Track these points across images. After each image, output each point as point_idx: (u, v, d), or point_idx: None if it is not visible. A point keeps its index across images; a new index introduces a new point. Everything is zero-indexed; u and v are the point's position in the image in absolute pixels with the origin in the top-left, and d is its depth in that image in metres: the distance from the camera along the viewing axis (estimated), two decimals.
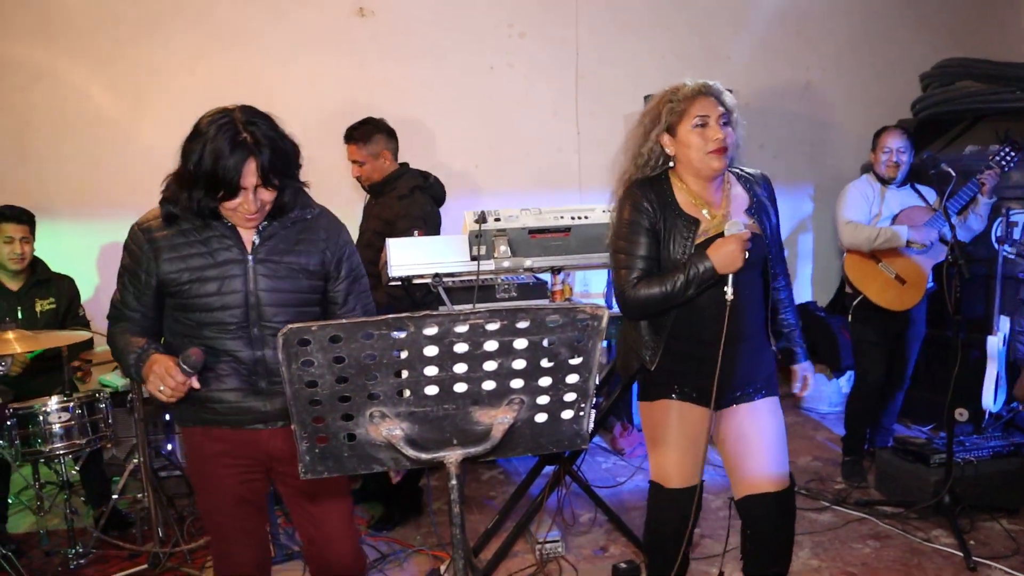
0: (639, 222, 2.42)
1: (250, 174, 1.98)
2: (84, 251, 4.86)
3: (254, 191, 2.01)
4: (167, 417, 4.44)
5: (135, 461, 3.68)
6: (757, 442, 2.48)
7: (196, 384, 2.03)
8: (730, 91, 2.50)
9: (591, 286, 5.39)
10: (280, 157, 2.02)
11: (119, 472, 3.92)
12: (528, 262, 3.18)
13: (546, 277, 3.42)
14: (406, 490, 3.94)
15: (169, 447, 4.36)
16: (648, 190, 2.45)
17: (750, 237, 2.35)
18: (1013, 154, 3.98)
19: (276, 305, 2.14)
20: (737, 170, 2.57)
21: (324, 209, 2.30)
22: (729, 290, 2.32)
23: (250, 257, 2.13)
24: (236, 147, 1.95)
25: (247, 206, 2.02)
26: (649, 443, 2.59)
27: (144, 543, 3.64)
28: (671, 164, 2.49)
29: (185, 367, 2.00)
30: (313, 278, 2.20)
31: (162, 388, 2.01)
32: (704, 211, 2.45)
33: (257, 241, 2.14)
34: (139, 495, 3.76)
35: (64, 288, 4.10)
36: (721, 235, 2.36)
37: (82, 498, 4.02)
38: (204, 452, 2.23)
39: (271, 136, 2.01)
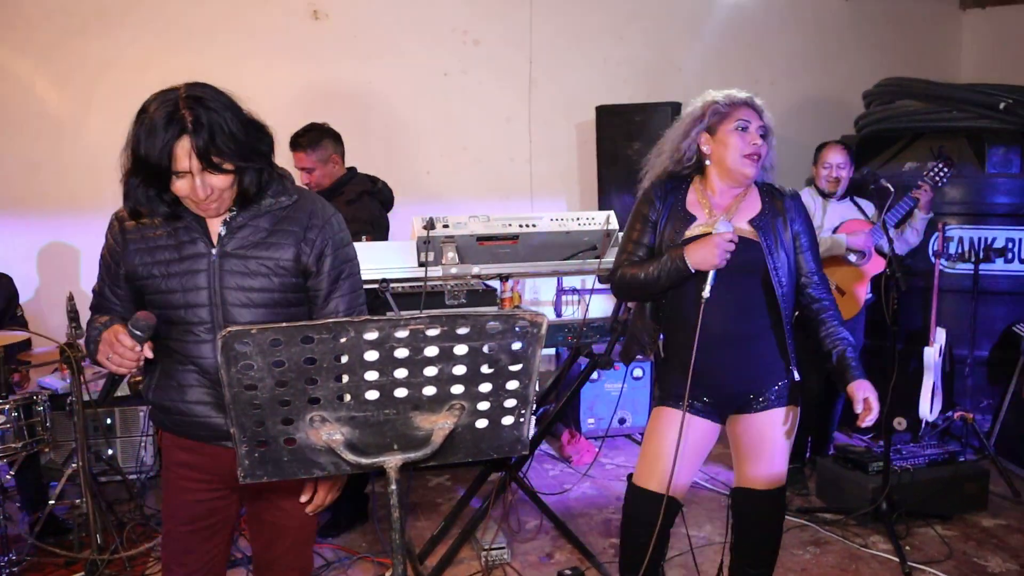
0: (644, 212, 2.57)
1: (184, 156, 1.77)
2: (23, 250, 4.75)
3: (200, 176, 1.79)
4: (108, 421, 4.35)
5: (74, 465, 3.60)
6: (756, 451, 2.56)
7: (149, 353, 1.82)
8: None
9: (541, 294, 5.43)
10: (228, 138, 1.79)
11: (57, 477, 3.82)
12: (476, 269, 3.20)
13: (496, 284, 3.43)
14: (352, 497, 3.91)
15: (110, 452, 4.27)
16: (663, 185, 2.57)
17: (734, 240, 2.37)
18: (946, 170, 4.13)
19: (244, 305, 1.92)
20: (767, 185, 2.61)
21: (308, 195, 2.05)
22: (707, 288, 2.37)
23: (214, 251, 1.92)
24: (170, 125, 1.75)
25: (195, 193, 1.80)
26: (644, 443, 2.64)
27: (82, 550, 3.55)
28: (706, 163, 2.55)
29: (134, 330, 1.79)
30: (288, 275, 1.95)
31: (110, 357, 1.82)
32: (705, 211, 2.50)
33: (224, 233, 1.92)
34: (77, 500, 3.67)
35: (2, 287, 4.00)
36: (709, 234, 2.41)
37: (17, 503, 3.91)
38: (171, 458, 2.09)
39: (218, 114, 1.79)
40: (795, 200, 2.60)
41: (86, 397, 3.65)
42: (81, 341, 3.39)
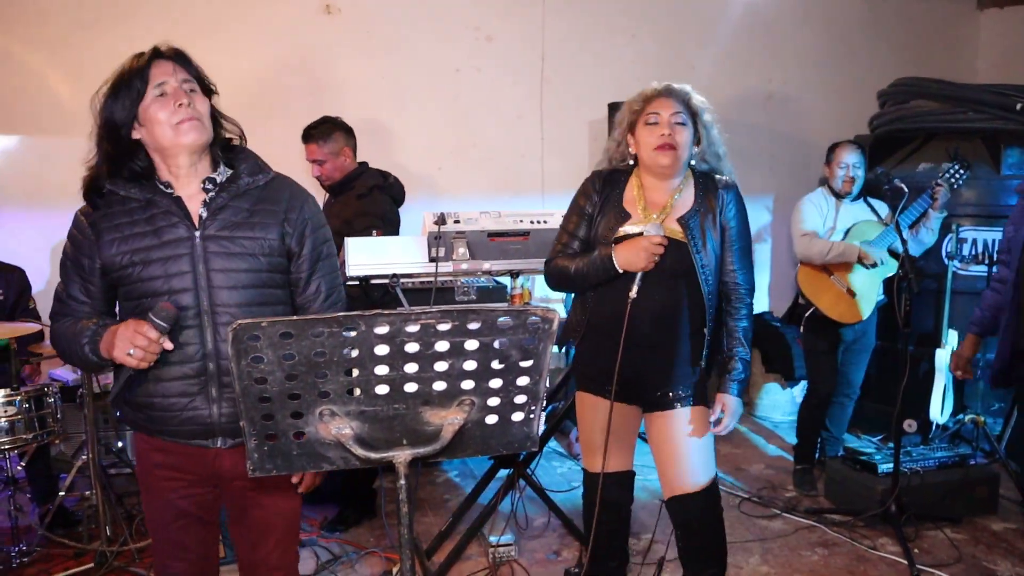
0: (581, 206, 2.60)
1: (164, 70, 1.87)
2: (36, 243, 4.76)
3: (179, 84, 1.87)
4: (118, 413, 4.37)
5: (84, 457, 3.61)
6: (679, 448, 2.53)
7: (168, 344, 1.81)
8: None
9: (551, 291, 5.41)
10: (204, 82, 1.94)
11: (67, 468, 3.85)
12: (487, 265, 3.19)
13: (506, 281, 3.43)
14: (360, 492, 3.92)
15: (120, 444, 4.28)
16: (600, 179, 2.60)
17: (663, 243, 2.38)
18: (962, 171, 4.10)
19: (230, 287, 1.89)
20: (707, 177, 2.58)
21: (281, 175, 2.06)
22: (634, 288, 2.39)
23: (197, 233, 1.89)
24: (143, 57, 1.90)
25: (176, 99, 1.85)
26: (579, 429, 2.73)
27: (91, 542, 3.57)
28: (631, 162, 2.60)
29: (157, 320, 1.77)
30: (273, 254, 1.94)
31: (132, 351, 1.77)
32: (639, 209, 2.50)
33: (205, 215, 1.91)
34: (87, 492, 3.69)
35: (14, 279, 4.02)
36: (640, 234, 2.41)
37: (27, 495, 3.93)
38: (147, 461, 2.04)
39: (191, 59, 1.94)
40: (729, 191, 2.55)
41: (96, 390, 3.67)
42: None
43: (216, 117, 1.97)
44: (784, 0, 5.99)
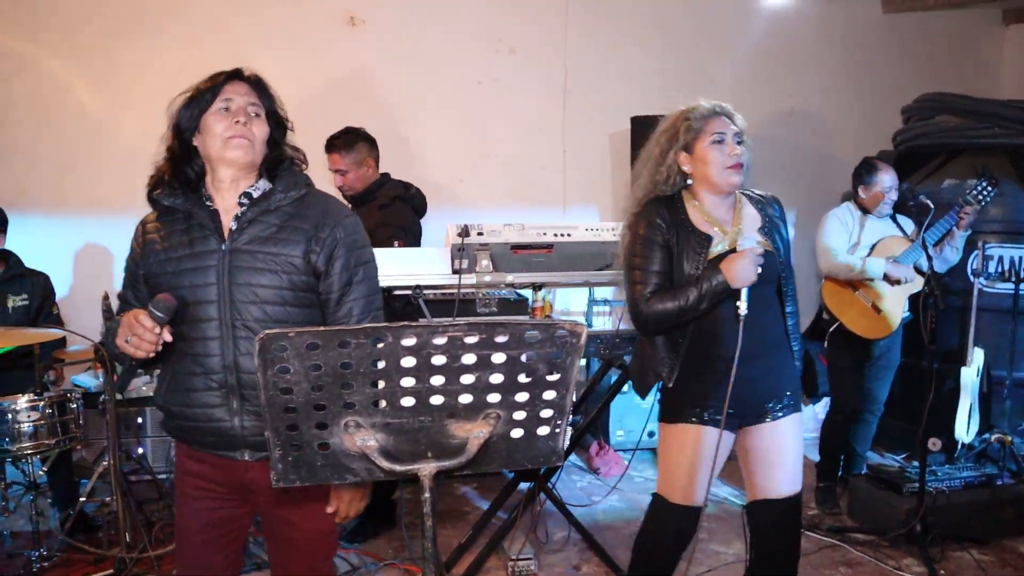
0: (653, 238, 2.48)
1: (237, 89, 1.97)
2: (59, 249, 4.81)
3: (246, 107, 1.96)
4: (139, 420, 4.38)
5: (104, 464, 3.63)
6: (777, 459, 2.54)
7: (168, 336, 1.82)
8: None
9: (572, 304, 5.40)
10: (275, 111, 2.02)
11: (88, 474, 3.86)
12: (510, 277, 3.18)
13: (527, 293, 3.42)
14: (380, 503, 3.91)
15: (140, 451, 4.30)
16: (661, 207, 2.52)
17: (762, 252, 2.38)
18: (990, 189, 4.05)
19: (251, 302, 1.90)
20: (749, 192, 2.63)
21: (318, 192, 2.07)
22: (743, 304, 2.36)
23: (224, 247, 1.93)
24: (221, 75, 1.99)
25: (235, 116, 1.94)
26: (662, 459, 2.64)
27: (110, 548, 3.58)
28: (688, 183, 2.55)
29: (154, 311, 1.80)
30: (296, 272, 1.93)
31: (129, 339, 1.81)
32: (716, 228, 2.49)
33: (234, 228, 1.94)
34: (107, 498, 3.70)
35: (38, 285, 4.05)
36: (734, 251, 2.41)
37: (48, 500, 3.95)
38: (182, 468, 2.08)
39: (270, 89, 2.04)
40: (779, 204, 2.65)
41: (119, 396, 3.69)
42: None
43: (279, 144, 2.04)
44: (806, 15, 5.96)
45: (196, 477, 2.04)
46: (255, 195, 1.99)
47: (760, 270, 2.36)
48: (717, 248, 2.46)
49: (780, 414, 2.52)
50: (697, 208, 2.53)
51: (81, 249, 4.86)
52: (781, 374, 2.54)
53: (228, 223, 1.95)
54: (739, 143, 2.48)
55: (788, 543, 2.60)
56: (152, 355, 1.85)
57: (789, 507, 2.56)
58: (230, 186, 1.98)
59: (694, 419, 2.50)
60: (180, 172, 1.99)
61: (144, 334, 1.79)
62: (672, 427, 2.56)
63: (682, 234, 2.48)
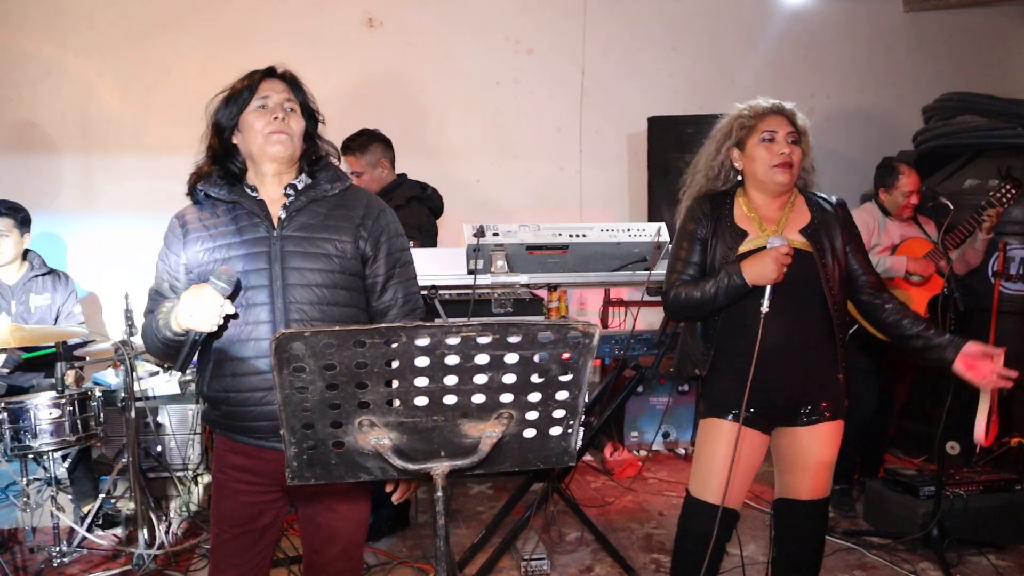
0: (692, 230, 2.54)
1: (273, 87, 2.04)
2: (84, 249, 4.87)
3: (283, 104, 2.03)
4: (158, 419, 4.42)
5: (124, 461, 3.67)
6: (804, 464, 2.54)
7: (231, 308, 1.89)
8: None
9: (587, 304, 5.40)
10: (308, 106, 2.10)
11: (108, 471, 3.91)
12: (525, 278, 3.19)
13: (543, 294, 3.42)
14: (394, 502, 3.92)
15: (159, 448, 4.34)
16: (707, 201, 2.56)
17: (789, 253, 2.36)
18: (1013, 191, 4.00)
19: (304, 285, 1.98)
20: (812, 193, 2.61)
21: (361, 189, 2.22)
22: (764, 303, 2.35)
23: (275, 234, 2.00)
24: (258, 72, 2.06)
25: (273, 113, 2.01)
26: (696, 456, 2.63)
27: (129, 544, 3.62)
28: (738, 178, 2.57)
29: (217, 282, 1.86)
30: (346, 257, 2.03)
31: (191, 312, 1.85)
32: (755, 225, 2.49)
33: (284, 216, 2.02)
34: (127, 495, 3.75)
35: (60, 285, 4.11)
36: (763, 248, 2.40)
37: (69, 496, 4.00)
38: (224, 461, 2.11)
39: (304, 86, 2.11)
40: (843, 208, 2.60)
41: (138, 393, 3.73)
42: (135, 338, 3.46)
43: (313, 137, 2.13)
44: (826, 13, 5.93)
45: (238, 470, 2.08)
46: (300, 186, 2.07)
47: (786, 270, 2.35)
48: (749, 245, 2.46)
49: (813, 419, 2.49)
50: (744, 205, 2.54)
51: (103, 249, 4.91)
52: (814, 376, 2.49)
53: (276, 212, 2.04)
54: (794, 142, 2.48)
55: (808, 547, 2.59)
56: (215, 328, 1.91)
57: (811, 511, 2.55)
58: (273, 179, 2.07)
59: (731, 416, 2.49)
60: (223, 168, 2.07)
61: (210, 307, 1.86)
62: (710, 422, 2.56)
63: (721, 227, 2.51)
